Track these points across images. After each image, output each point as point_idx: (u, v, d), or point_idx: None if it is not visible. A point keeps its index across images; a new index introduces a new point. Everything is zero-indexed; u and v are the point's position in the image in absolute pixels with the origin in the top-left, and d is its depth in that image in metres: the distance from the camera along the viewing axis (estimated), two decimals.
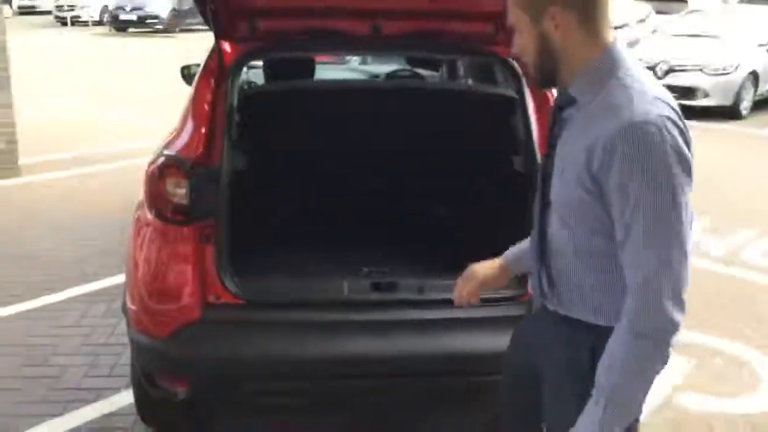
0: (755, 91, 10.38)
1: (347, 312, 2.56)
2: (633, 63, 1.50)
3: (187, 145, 2.60)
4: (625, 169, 1.40)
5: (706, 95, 9.89)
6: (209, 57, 2.84)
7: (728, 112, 10.02)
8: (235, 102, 2.72)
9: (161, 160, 2.58)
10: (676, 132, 1.41)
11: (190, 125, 2.66)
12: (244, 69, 3.15)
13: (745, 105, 10.27)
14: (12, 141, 6.73)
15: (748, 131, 9.62)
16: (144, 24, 22.77)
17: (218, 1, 2.64)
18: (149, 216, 2.61)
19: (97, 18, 25.18)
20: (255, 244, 2.88)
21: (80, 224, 5.54)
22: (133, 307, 2.61)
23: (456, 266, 2.77)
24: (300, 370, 2.49)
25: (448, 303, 2.57)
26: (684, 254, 1.42)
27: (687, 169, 1.42)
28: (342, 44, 3.01)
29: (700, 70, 9.94)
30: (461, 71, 4.73)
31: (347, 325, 2.53)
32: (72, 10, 25.29)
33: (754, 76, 10.26)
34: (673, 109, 1.46)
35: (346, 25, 2.89)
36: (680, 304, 1.42)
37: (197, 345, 2.48)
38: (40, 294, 4.28)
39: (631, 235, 1.43)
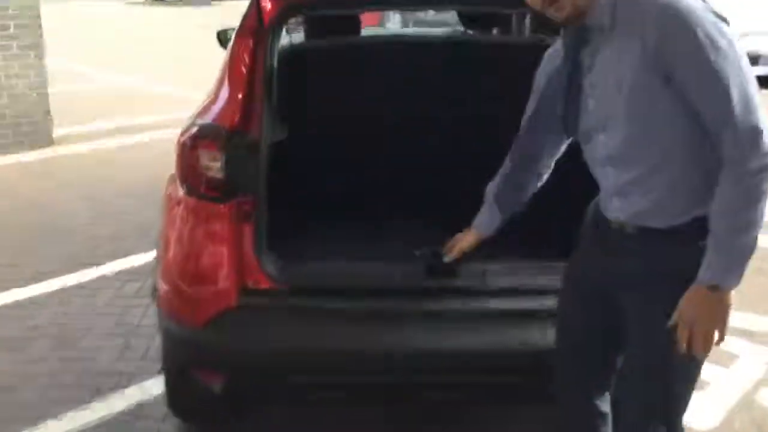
0: None
1: (401, 300, 2.28)
2: None
3: (222, 113, 2.34)
4: (680, 37, 1.52)
5: None
6: (246, 14, 2.55)
7: None
8: (275, 63, 2.43)
9: (194, 129, 2.32)
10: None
11: (225, 90, 2.39)
12: (284, 28, 2.84)
13: None
14: (47, 111, 6.58)
15: None
16: None
17: None
18: (181, 192, 2.36)
19: None
20: (297, 223, 2.62)
21: (117, 198, 5.37)
22: (163, 291, 2.37)
23: (522, 247, 2.50)
24: (349, 363, 2.23)
25: (515, 292, 2.31)
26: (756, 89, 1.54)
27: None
28: None
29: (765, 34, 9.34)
30: (526, 30, 4.29)
31: (401, 315, 2.25)
32: None
33: None
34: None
35: None
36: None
37: (234, 335, 2.24)
38: (74, 269, 4.11)
39: (716, 91, 1.51)
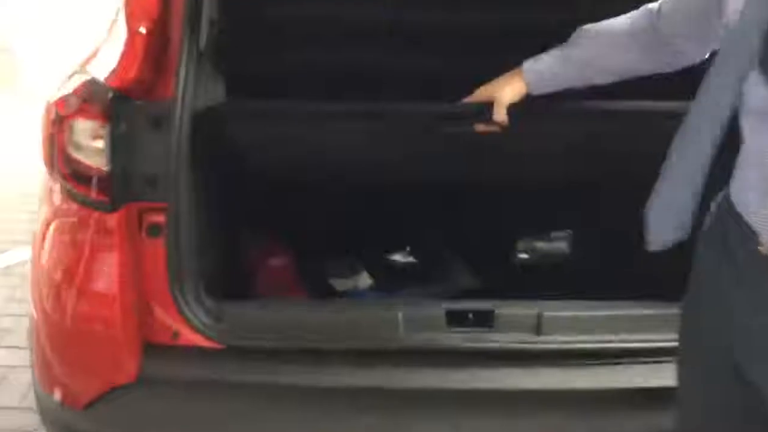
0: None
1: (407, 369, 1.40)
2: None
3: (111, 65, 1.43)
4: None
5: None
6: None
7: None
8: None
9: (66, 88, 1.43)
10: None
11: (120, 31, 1.48)
12: None
13: None
14: None
15: None
16: None
17: None
18: (52, 193, 1.48)
19: None
20: (244, 240, 1.73)
21: None
22: (34, 348, 1.51)
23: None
24: None
25: (600, 356, 1.42)
26: None
27: None
28: None
29: None
30: None
31: (409, 397, 1.38)
32: None
33: None
34: None
35: None
36: None
37: (127, 425, 1.37)
38: None
39: None
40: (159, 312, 1.43)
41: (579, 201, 2.00)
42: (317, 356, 1.41)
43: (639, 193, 1.08)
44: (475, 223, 2.12)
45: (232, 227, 1.73)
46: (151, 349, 1.43)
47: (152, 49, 1.44)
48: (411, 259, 2.12)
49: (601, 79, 1.41)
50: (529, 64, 1.42)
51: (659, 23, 1.28)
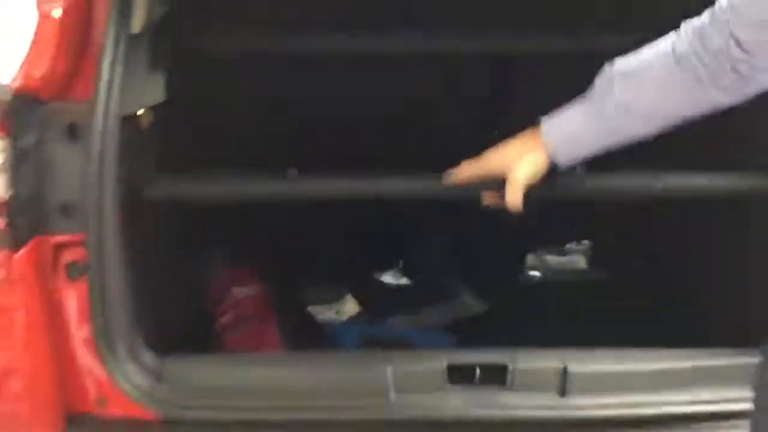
0: None
1: None
2: None
3: (21, 61, 1.11)
4: None
5: None
6: None
7: None
8: None
9: None
10: None
11: (30, 18, 1.15)
12: None
13: None
14: None
15: None
16: None
17: None
18: None
19: None
20: (200, 267, 1.43)
21: None
22: None
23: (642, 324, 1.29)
24: None
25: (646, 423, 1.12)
26: None
27: None
28: None
29: None
30: None
31: None
32: None
33: None
34: None
35: None
36: None
37: None
38: None
39: None
40: (82, 374, 1.12)
41: (596, 207, 1.70)
42: (282, 430, 1.11)
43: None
44: (479, 235, 1.82)
45: (181, 255, 1.42)
46: (74, 419, 1.12)
47: (68, 37, 1.13)
48: (404, 280, 1.82)
49: (651, 127, 1.06)
50: (550, 125, 1.09)
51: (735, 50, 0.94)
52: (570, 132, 1.08)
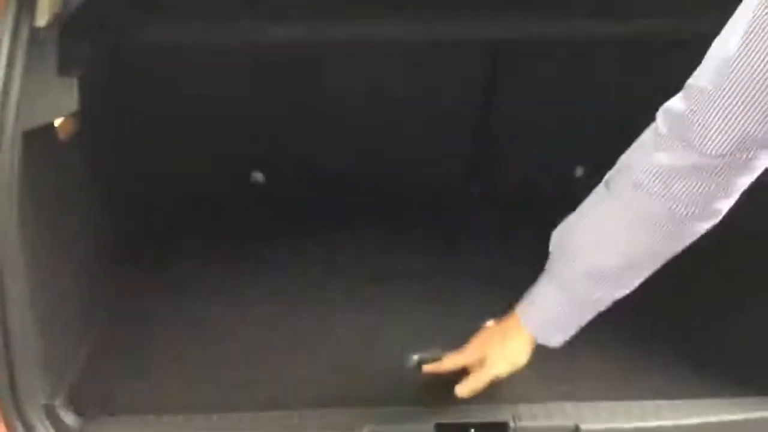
0: None
1: None
2: None
3: None
4: None
5: None
6: None
7: None
8: None
9: None
10: None
11: None
12: None
13: None
14: None
15: None
16: None
17: None
18: None
19: None
20: (126, 322, 1.21)
21: None
22: None
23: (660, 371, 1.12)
24: None
25: None
26: None
27: None
28: None
29: None
30: None
31: None
32: None
33: None
34: None
35: None
36: None
37: None
38: None
39: None
40: None
41: None
42: None
43: None
44: None
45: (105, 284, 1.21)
46: None
47: None
48: None
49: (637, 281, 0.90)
50: (526, 317, 0.96)
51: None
52: (548, 320, 0.95)
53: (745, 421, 0.99)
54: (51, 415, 0.94)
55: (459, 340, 1.02)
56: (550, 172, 1.56)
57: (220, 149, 1.46)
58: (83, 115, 1.07)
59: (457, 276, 1.33)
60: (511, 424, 0.95)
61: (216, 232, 1.48)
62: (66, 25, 0.95)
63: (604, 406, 1.00)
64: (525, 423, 0.96)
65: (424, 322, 1.20)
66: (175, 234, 1.45)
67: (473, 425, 0.96)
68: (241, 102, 1.39)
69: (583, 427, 0.95)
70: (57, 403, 0.95)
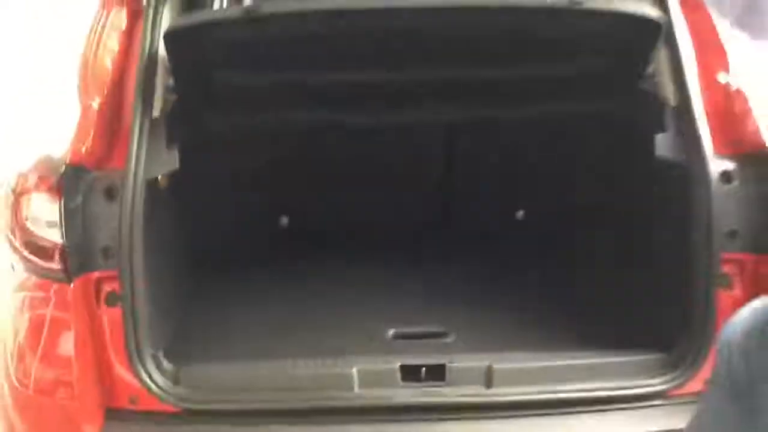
0: None
1: (362, 426, 1.44)
2: None
3: (70, 140, 1.48)
4: None
5: None
6: None
7: None
8: (159, 49, 1.55)
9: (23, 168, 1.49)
10: None
11: (77, 103, 1.53)
12: None
13: None
14: None
15: None
16: None
17: None
18: (15, 264, 1.53)
19: None
20: (196, 306, 1.78)
21: None
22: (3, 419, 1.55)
23: (555, 332, 1.65)
24: None
25: (545, 407, 1.45)
26: None
27: None
28: None
29: None
30: None
31: None
32: None
33: None
34: None
35: None
36: None
37: None
38: None
39: None
40: (118, 378, 1.46)
41: None
42: (273, 416, 1.45)
43: None
44: None
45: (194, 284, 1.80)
46: (112, 413, 1.46)
47: (105, 122, 1.49)
48: None
49: None
50: None
51: None
52: None
53: (629, 362, 1.49)
54: (156, 361, 1.49)
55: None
56: (497, 214, 2.12)
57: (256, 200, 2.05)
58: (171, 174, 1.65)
59: (419, 283, 1.90)
60: (447, 366, 1.48)
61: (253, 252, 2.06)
62: (170, 116, 1.55)
63: (510, 354, 1.52)
64: (453, 364, 1.48)
65: (395, 311, 1.75)
66: (225, 252, 2.02)
67: (424, 366, 1.49)
68: (269, 174, 1.99)
69: (495, 366, 1.47)
70: (160, 354, 1.50)
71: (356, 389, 1.46)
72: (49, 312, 1.47)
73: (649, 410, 1.45)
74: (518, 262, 1.98)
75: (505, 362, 1.49)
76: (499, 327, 1.64)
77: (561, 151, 1.98)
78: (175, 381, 1.48)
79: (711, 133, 1.45)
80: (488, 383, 1.46)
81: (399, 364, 1.49)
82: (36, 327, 1.48)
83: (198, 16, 1.68)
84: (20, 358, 1.48)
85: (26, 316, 1.50)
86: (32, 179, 1.46)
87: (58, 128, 1.53)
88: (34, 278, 1.48)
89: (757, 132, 1.43)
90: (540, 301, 1.76)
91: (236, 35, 1.61)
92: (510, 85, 1.82)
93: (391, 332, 1.67)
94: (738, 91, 1.48)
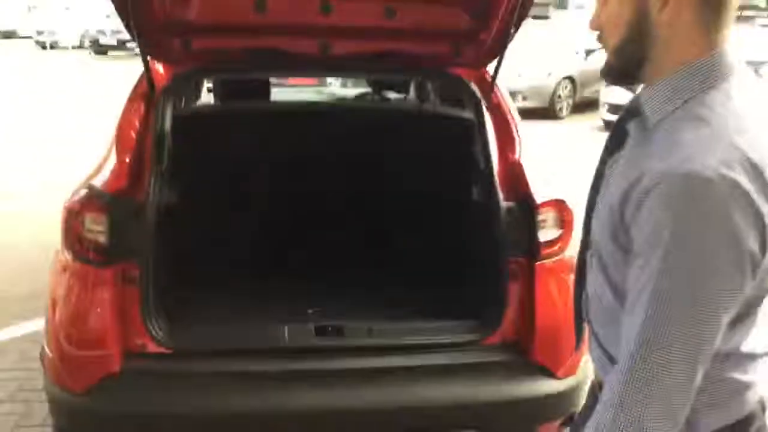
0: (574, 94, 11.53)
1: (288, 361, 2.30)
2: (738, 81, 1.12)
3: (108, 178, 2.35)
4: (649, 228, 1.04)
5: (525, 98, 10.54)
6: (138, 79, 2.61)
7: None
8: (168, 128, 2.47)
9: (78, 195, 2.33)
10: (740, 202, 1.01)
11: (113, 155, 2.42)
12: (204, 88, 2.97)
13: (563, 106, 11.42)
14: None
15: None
16: (124, 47, 22.56)
17: (142, 14, 2.38)
18: (67, 256, 2.35)
19: (76, 43, 25.20)
20: (186, 287, 2.63)
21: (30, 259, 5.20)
22: (48, 357, 2.34)
23: (412, 307, 2.57)
24: (238, 427, 2.23)
25: (401, 349, 2.35)
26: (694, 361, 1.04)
27: (739, 253, 1.01)
28: (285, 65, 2.78)
29: (519, 75, 10.21)
30: (430, 93, 4.45)
31: (288, 375, 2.27)
32: (53, 35, 25.43)
33: (571, 81, 11.39)
34: (753, 164, 1.04)
35: (291, 43, 2.65)
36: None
37: (116, 401, 2.21)
38: None
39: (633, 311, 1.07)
40: (134, 332, 2.30)
41: None
42: (233, 354, 2.31)
43: None
44: None
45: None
46: (129, 353, 2.29)
47: (132, 169, 2.38)
48: None
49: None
50: None
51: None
52: None
53: (453, 324, 2.42)
54: (158, 321, 2.34)
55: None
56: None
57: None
58: None
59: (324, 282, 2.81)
60: (345, 326, 2.38)
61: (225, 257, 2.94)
62: (171, 167, 2.48)
63: (389, 321, 2.44)
64: (349, 325, 2.38)
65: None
66: (207, 256, 2.90)
67: (330, 326, 2.38)
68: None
69: (373, 327, 2.38)
70: (160, 317, 2.34)
71: (286, 341, 2.35)
72: (90, 286, 2.29)
73: (466, 352, 2.38)
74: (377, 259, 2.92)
75: (379, 324, 2.41)
76: (375, 304, 2.57)
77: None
78: (170, 335, 2.32)
79: (501, 187, 2.45)
80: (370, 336, 2.37)
81: (314, 325, 2.39)
82: (81, 296, 2.30)
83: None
84: (69, 315, 2.29)
85: (74, 289, 2.31)
86: (85, 203, 2.31)
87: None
88: (81, 265, 2.31)
89: (527, 186, 2.43)
90: (396, 286, 2.71)
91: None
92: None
93: (310, 311, 2.57)
94: (519, 163, 2.49)
